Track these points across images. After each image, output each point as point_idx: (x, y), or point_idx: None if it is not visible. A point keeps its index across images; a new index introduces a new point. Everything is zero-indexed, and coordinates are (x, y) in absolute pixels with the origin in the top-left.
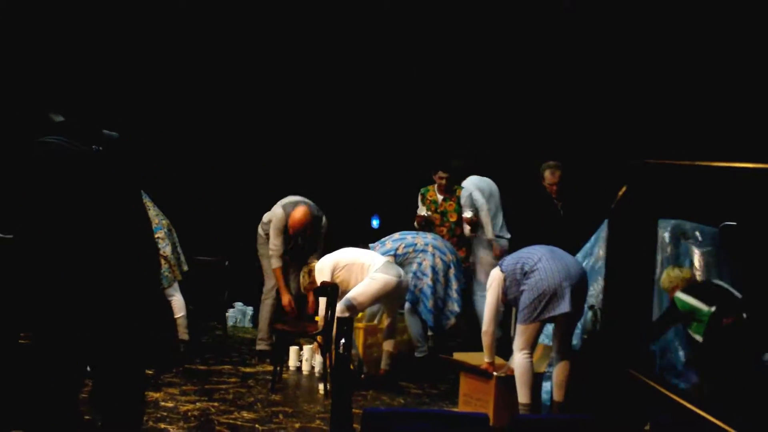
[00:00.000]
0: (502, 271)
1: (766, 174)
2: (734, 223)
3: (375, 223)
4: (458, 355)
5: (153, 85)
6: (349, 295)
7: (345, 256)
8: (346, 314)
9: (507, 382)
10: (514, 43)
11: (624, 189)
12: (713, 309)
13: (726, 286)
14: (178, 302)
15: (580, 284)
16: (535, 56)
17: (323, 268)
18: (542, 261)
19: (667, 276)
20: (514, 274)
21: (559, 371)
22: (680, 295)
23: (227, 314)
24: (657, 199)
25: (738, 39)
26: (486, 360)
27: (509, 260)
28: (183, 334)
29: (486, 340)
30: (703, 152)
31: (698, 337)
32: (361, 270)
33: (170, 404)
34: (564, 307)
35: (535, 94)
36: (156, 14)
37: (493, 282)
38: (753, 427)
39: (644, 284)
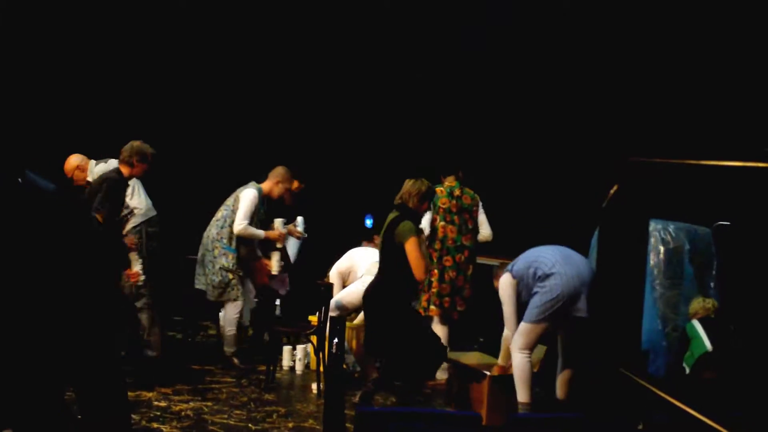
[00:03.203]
0: (513, 276)
1: (757, 173)
2: (727, 223)
3: (368, 222)
4: (451, 355)
5: (143, 85)
6: (338, 297)
7: (343, 264)
8: (336, 313)
9: (500, 382)
10: (503, 43)
11: (615, 188)
12: (709, 349)
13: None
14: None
15: (592, 288)
16: (524, 57)
17: (333, 280)
18: (557, 266)
19: (691, 304)
20: (527, 279)
21: (565, 372)
22: (694, 322)
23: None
24: (648, 198)
25: (728, 37)
26: (500, 363)
27: (520, 264)
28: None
29: (506, 344)
30: (694, 151)
31: (687, 367)
32: (355, 277)
33: (163, 404)
34: (580, 311)
35: (525, 94)
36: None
37: (506, 288)
38: (747, 428)
39: (635, 284)
